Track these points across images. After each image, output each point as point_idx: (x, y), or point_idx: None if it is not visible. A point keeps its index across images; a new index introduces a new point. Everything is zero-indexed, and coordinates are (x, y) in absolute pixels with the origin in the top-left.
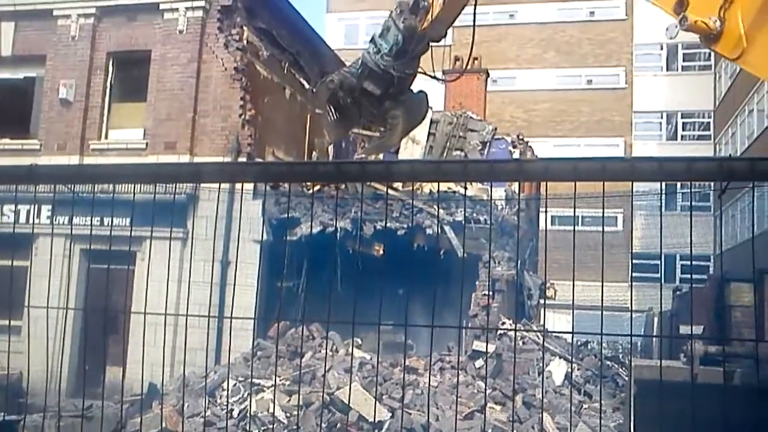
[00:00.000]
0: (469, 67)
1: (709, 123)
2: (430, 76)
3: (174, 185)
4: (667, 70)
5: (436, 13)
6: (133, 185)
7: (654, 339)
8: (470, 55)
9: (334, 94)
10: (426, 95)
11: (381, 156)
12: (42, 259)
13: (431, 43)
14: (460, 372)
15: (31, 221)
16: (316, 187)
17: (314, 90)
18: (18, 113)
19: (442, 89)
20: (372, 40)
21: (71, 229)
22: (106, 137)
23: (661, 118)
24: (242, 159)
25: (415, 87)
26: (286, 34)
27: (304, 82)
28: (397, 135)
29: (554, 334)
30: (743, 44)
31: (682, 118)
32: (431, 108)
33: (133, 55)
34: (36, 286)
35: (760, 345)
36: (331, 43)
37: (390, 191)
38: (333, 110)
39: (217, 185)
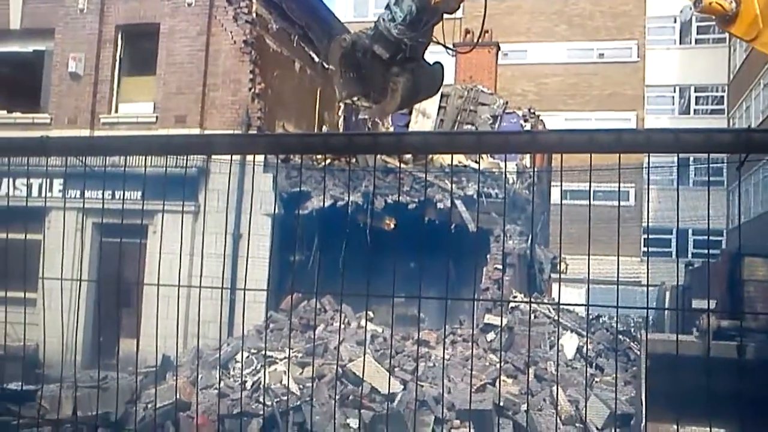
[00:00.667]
0: (480, 40)
1: (722, 97)
2: (442, 45)
3: (185, 158)
4: (681, 43)
5: None
6: (144, 158)
7: (666, 313)
8: (482, 28)
9: (347, 53)
10: (442, 66)
11: (391, 128)
12: (55, 232)
13: (444, 15)
14: (472, 345)
15: (43, 195)
16: (327, 161)
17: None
18: (28, 87)
19: (452, 62)
20: (387, 6)
21: (83, 202)
22: (116, 111)
23: (674, 92)
24: (252, 132)
25: (430, 59)
26: (295, 6)
27: (314, 55)
28: (396, 100)
29: (567, 307)
30: (759, 25)
31: (695, 92)
32: (448, 48)
33: (142, 28)
34: (49, 259)
35: None
36: (341, 15)
37: (401, 165)
38: (344, 69)
39: (227, 158)
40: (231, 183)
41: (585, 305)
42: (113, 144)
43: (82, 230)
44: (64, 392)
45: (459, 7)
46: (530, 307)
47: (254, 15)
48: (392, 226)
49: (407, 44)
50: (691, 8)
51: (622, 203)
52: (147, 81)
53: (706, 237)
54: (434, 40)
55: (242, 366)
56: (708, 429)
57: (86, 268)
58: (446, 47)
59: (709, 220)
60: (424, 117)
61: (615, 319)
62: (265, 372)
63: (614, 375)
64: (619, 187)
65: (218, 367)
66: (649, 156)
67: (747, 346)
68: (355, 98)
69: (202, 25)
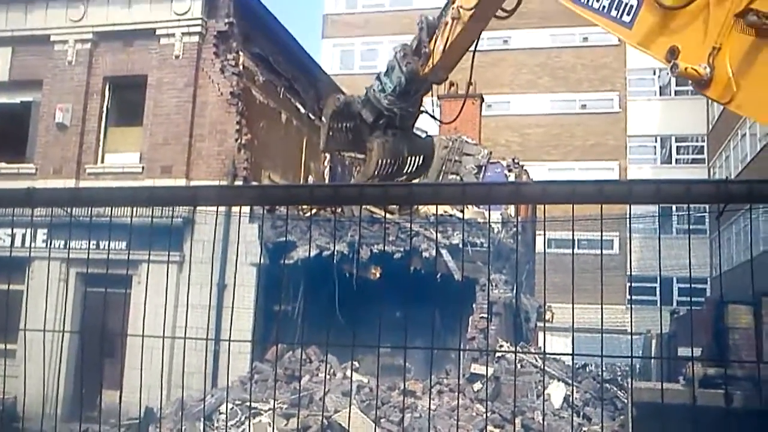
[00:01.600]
0: (465, 91)
1: (702, 147)
2: (430, 115)
3: (171, 209)
4: (661, 94)
5: (437, 60)
6: (129, 209)
7: (652, 361)
8: (469, 80)
9: (339, 111)
10: (432, 140)
11: None
12: (38, 282)
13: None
14: (459, 395)
15: (27, 245)
16: (313, 211)
17: (323, 102)
18: (14, 137)
19: (437, 114)
20: (377, 78)
21: (68, 253)
22: (103, 161)
23: (656, 141)
24: (238, 183)
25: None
26: (281, 59)
27: (300, 107)
28: (372, 161)
29: (553, 356)
30: (733, 89)
31: (676, 141)
32: (436, 119)
33: (130, 79)
34: (31, 309)
35: (762, 369)
36: (327, 68)
37: (387, 215)
38: (334, 126)
39: (213, 208)
40: (216, 233)
41: (571, 354)
42: (98, 195)
43: (66, 280)
44: None
45: (447, 77)
46: (515, 356)
47: (241, 67)
48: (378, 275)
49: (396, 113)
50: (668, 73)
51: (606, 252)
52: (134, 132)
53: (690, 285)
54: (423, 110)
55: (227, 417)
56: None
57: (69, 318)
58: (434, 117)
59: (690, 268)
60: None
61: (599, 368)
62: (249, 424)
63: (601, 424)
64: (602, 237)
65: (202, 419)
66: (630, 207)
67: (734, 394)
68: (336, 151)
69: (190, 77)
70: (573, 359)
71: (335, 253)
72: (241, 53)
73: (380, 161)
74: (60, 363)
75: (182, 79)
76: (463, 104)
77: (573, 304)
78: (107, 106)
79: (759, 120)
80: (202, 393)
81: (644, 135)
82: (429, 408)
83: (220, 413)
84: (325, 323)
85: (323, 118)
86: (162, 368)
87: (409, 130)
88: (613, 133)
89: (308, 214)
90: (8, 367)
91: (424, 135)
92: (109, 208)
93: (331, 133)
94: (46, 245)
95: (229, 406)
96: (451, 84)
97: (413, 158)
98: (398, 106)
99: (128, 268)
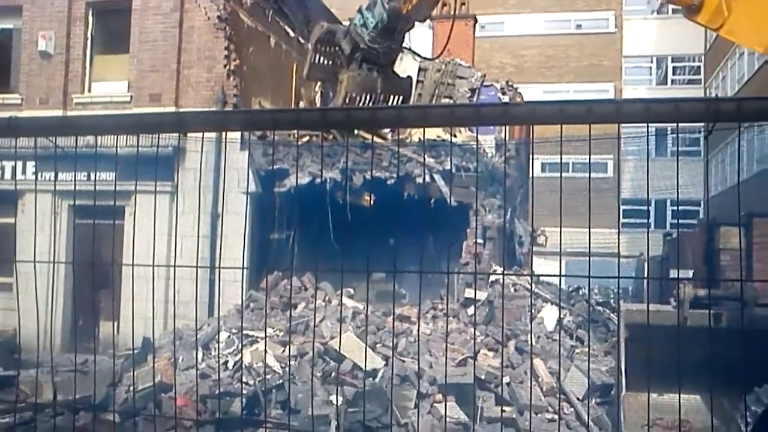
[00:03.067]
0: (456, 12)
1: (699, 67)
2: (413, 52)
3: (158, 136)
4: (658, 13)
5: None
6: (116, 137)
7: (645, 283)
8: (461, 3)
9: (323, 39)
10: (411, 80)
11: None
12: (29, 215)
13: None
14: (453, 319)
15: (15, 177)
16: (305, 138)
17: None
18: None
19: (429, 36)
20: (359, 11)
21: (54, 185)
22: (89, 90)
23: (651, 62)
24: (228, 109)
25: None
26: None
27: (289, 30)
28: (341, 94)
29: (543, 279)
30: (724, 14)
31: (672, 62)
32: (419, 56)
33: (113, 5)
34: (24, 242)
35: (749, 288)
36: None
37: (379, 140)
38: (317, 53)
39: (205, 136)
40: (207, 162)
41: (558, 276)
42: (83, 123)
43: (55, 213)
44: (43, 377)
45: (431, 14)
46: (503, 279)
47: None
48: (371, 202)
49: (378, 51)
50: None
51: (600, 174)
52: (120, 59)
53: (683, 207)
54: (405, 48)
55: (219, 346)
56: (687, 397)
57: (63, 250)
58: (416, 54)
59: (678, 189)
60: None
61: (592, 290)
62: (242, 352)
63: (592, 345)
64: (590, 157)
65: (196, 348)
66: (618, 126)
67: (722, 314)
68: (320, 80)
69: (175, 2)
70: (560, 281)
71: (327, 180)
72: None
73: (349, 95)
74: (55, 296)
75: (168, 3)
76: (451, 30)
77: (561, 227)
78: (92, 33)
79: (751, 46)
80: (199, 323)
81: (640, 56)
82: (418, 332)
83: (217, 342)
84: (318, 250)
85: (309, 45)
86: (154, 299)
87: (388, 67)
88: (609, 54)
89: (301, 140)
90: (5, 300)
91: (404, 75)
92: (98, 137)
93: (315, 61)
94: (35, 177)
95: (225, 334)
96: (444, 4)
97: (389, 97)
98: (380, 43)
99: (119, 199)
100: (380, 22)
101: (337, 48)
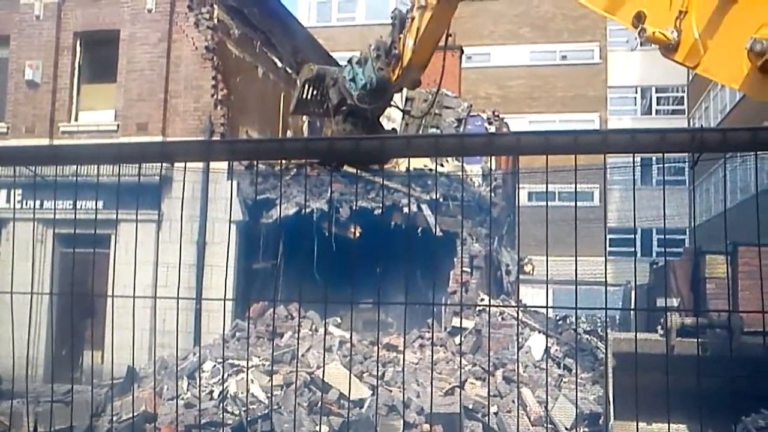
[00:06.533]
0: (445, 44)
1: (683, 97)
2: (400, 110)
3: (144, 166)
4: (641, 45)
5: (407, 60)
6: (108, 167)
7: (632, 312)
8: (447, 35)
9: (311, 80)
10: (396, 133)
11: None
12: (14, 243)
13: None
14: (440, 348)
15: (3, 206)
16: (293, 170)
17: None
18: None
19: None
20: (349, 62)
21: (34, 213)
22: (76, 119)
23: (636, 93)
24: (216, 139)
25: None
26: (257, 12)
27: (277, 61)
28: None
29: (531, 308)
30: (700, 53)
31: (656, 92)
32: (407, 112)
33: (102, 35)
34: (7, 271)
35: (735, 316)
36: (303, 20)
37: (366, 172)
38: (304, 92)
39: (191, 165)
40: (194, 191)
41: (545, 307)
42: (65, 153)
43: (39, 242)
44: (23, 408)
45: (419, 79)
46: (488, 310)
47: (216, 21)
48: (357, 234)
49: (366, 108)
50: (636, 38)
51: (586, 204)
52: (107, 88)
53: (669, 236)
54: (392, 104)
55: (200, 376)
56: (675, 425)
57: (48, 279)
58: (404, 111)
59: (665, 218)
60: (389, 121)
61: (580, 319)
62: (225, 381)
63: (580, 374)
64: (576, 187)
65: (176, 378)
66: (605, 157)
67: (708, 342)
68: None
69: (163, 32)
70: (547, 311)
71: (315, 210)
72: (215, 6)
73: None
74: (39, 326)
75: (155, 33)
76: (443, 67)
77: (547, 255)
78: (79, 63)
79: (725, 82)
80: (183, 352)
81: (624, 86)
82: (403, 362)
83: (203, 372)
84: (304, 280)
85: (297, 82)
86: (134, 328)
87: (375, 120)
88: (594, 84)
89: (289, 172)
90: None
91: (389, 127)
92: (83, 167)
93: (302, 97)
94: (21, 206)
95: (211, 364)
96: None
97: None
98: (367, 103)
99: (106, 228)
100: (369, 84)
101: (325, 91)
